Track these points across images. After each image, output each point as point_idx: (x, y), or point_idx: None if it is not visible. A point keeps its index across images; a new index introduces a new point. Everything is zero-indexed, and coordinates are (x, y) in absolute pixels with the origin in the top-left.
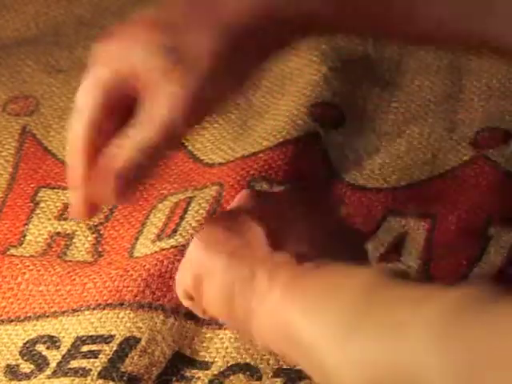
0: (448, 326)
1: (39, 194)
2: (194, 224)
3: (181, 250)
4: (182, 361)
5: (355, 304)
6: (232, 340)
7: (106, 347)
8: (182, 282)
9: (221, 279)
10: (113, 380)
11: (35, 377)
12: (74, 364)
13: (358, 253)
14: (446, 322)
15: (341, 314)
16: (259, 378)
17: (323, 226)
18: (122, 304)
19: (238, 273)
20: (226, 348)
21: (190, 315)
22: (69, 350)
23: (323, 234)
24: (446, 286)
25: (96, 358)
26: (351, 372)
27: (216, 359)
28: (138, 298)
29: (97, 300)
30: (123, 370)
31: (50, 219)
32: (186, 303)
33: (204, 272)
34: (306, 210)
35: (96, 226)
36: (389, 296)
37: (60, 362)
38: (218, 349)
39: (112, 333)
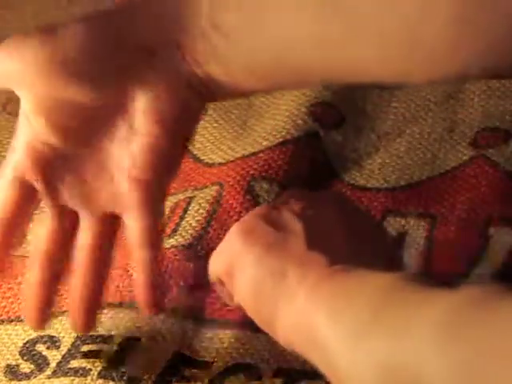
0: (452, 325)
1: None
2: (194, 224)
3: (181, 249)
4: (182, 361)
5: (369, 308)
6: (232, 340)
7: (105, 347)
8: (216, 265)
9: (253, 272)
10: (113, 380)
11: (35, 377)
12: (74, 364)
13: (389, 257)
14: (450, 322)
15: (355, 319)
16: (259, 378)
17: (358, 230)
18: (121, 304)
19: (270, 269)
20: (226, 348)
21: (189, 315)
22: (69, 350)
23: (357, 237)
24: (452, 287)
25: (96, 357)
26: (360, 375)
27: (216, 359)
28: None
29: None
30: (123, 369)
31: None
32: (215, 286)
33: (238, 261)
34: (343, 212)
35: None
36: (400, 300)
37: (60, 361)
38: (218, 349)
39: (112, 333)
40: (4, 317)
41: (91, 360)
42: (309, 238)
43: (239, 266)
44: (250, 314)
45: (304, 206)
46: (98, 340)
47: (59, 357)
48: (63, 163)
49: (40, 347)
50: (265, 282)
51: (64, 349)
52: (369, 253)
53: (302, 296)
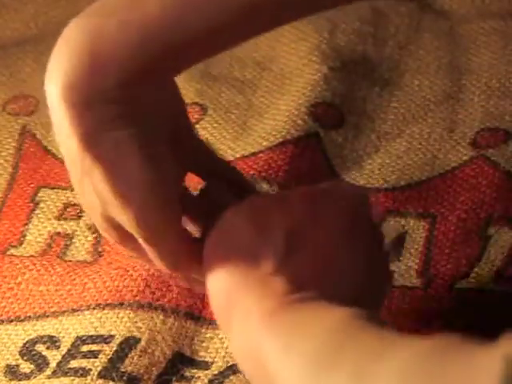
0: (411, 374)
1: (39, 194)
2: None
3: None
4: (182, 361)
5: (323, 347)
6: None
7: (105, 347)
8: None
9: (220, 275)
10: (113, 380)
11: (35, 377)
12: (74, 364)
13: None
14: (409, 370)
15: (308, 356)
16: None
17: (356, 239)
18: (121, 304)
19: (235, 278)
20: (226, 348)
21: (189, 315)
22: (69, 350)
23: (352, 247)
24: (414, 336)
25: (96, 357)
26: None
27: (216, 359)
28: (137, 298)
29: (97, 300)
30: (123, 369)
31: (49, 219)
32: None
33: (212, 256)
34: (345, 215)
35: None
36: (358, 343)
37: (60, 361)
38: (218, 349)
39: (112, 333)
40: (4, 317)
41: (91, 360)
42: (284, 255)
43: (212, 265)
44: (216, 318)
45: (302, 211)
46: (97, 340)
47: (59, 357)
48: None
49: (40, 347)
50: (228, 293)
51: (64, 349)
52: (361, 262)
53: (255, 320)
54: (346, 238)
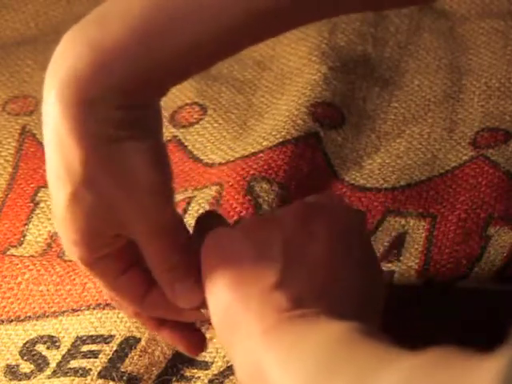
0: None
1: (39, 194)
2: (193, 224)
3: None
4: (181, 361)
5: (322, 361)
6: None
7: (105, 347)
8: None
9: (222, 295)
10: (113, 380)
11: (35, 377)
12: (74, 364)
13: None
14: (410, 381)
15: (306, 371)
16: None
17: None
18: None
19: (236, 296)
20: None
21: None
22: (69, 350)
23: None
24: (413, 350)
25: (96, 357)
26: None
27: (216, 359)
28: None
29: (97, 300)
30: (123, 369)
31: (49, 219)
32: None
33: (212, 275)
34: (344, 234)
35: None
36: (357, 354)
37: (60, 361)
38: (218, 349)
39: (112, 333)
40: (4, 317)
41: (91, 360)
42: (282, 269)
43: (211, 281)
44: (217, 335)
45: (295, 226)
46: (97, 340)
47: (59, 357)
48: None
49: (40, 347)
50: (228, 310)
51: (64, 349)
52: (358, 275)
53: (256, 337)
54: (340, 251)
